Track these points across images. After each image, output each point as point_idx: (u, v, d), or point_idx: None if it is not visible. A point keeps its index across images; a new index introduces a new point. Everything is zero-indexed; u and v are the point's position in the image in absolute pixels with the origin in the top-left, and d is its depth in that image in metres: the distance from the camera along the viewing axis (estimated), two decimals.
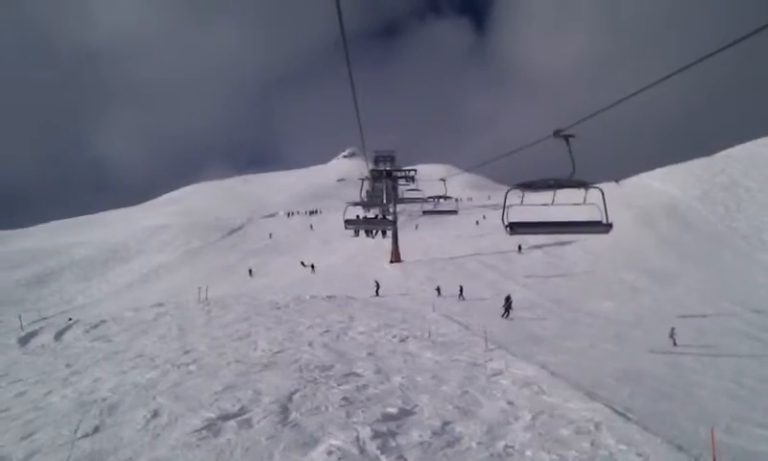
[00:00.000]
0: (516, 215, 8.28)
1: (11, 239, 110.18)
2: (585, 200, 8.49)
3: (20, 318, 37.15)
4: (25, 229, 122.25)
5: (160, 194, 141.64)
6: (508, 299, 24.33)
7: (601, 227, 8.75)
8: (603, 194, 8.42)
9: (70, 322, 26.14)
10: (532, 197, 8.77)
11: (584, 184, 8.24)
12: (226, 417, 8.17)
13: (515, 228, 8.43)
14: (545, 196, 9.35)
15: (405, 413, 8.61)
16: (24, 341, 21.52)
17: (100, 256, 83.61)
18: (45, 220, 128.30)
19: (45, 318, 46.00)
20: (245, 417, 8.19)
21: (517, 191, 8.75)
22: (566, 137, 7.89)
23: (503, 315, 22.43)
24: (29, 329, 25.39)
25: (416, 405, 9.05)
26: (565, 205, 9.26)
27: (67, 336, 21.66)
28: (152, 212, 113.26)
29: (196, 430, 7.62)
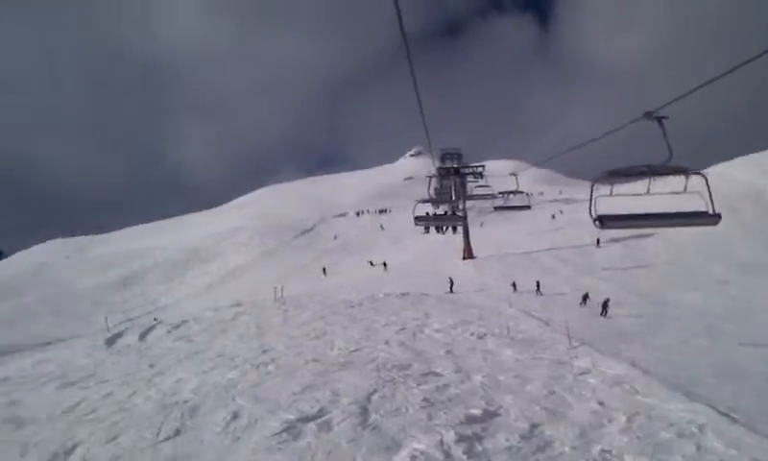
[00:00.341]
0: (605, 207, 7.57)
1: (97, 244, 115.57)
2: (686, 188, 7.62)
3: (106, 319, 38.69)
4: (109, 233, 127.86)
5: (234, 197, 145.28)
6: (586, 296, 23.40)
7: (707, 218, 7.73)
8: (707, 181, 7.60)
9: (154, 322, 26.89)
10: (620, 188, 8.13)
11: (684, 170, 7.43)
12: (305, 419, 7.98)
13: (605, 221, 7.59)
14: (632, 187, 8.71)
15: (490, 415, 8.21)
16: (111, 342, 22.18)
17: (180, 259, 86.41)
18: (128, 225, 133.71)
19: (130, 319, 47.83)
20: (324, 419, 7.98)
21: (597, 182, 8.01)
22: (659, 119, 7.23)
23: (601, 313, 21.09)
24: (115, 330, 26.21)
25: (500, 406, 8.63)
26: (661, 194, 8.47)
27: (151, 336, 22.22)
28: (226, 215, 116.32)
29: (275, 433, 7.46)
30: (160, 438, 7.79)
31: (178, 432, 8.03)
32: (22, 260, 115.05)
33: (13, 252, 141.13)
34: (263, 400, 9.32)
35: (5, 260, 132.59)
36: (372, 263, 52.08)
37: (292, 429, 7.59)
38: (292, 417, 8.06)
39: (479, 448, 6.87)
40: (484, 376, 10.60)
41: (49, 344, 43.98)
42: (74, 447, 7.99)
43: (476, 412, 8.23)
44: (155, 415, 9.14)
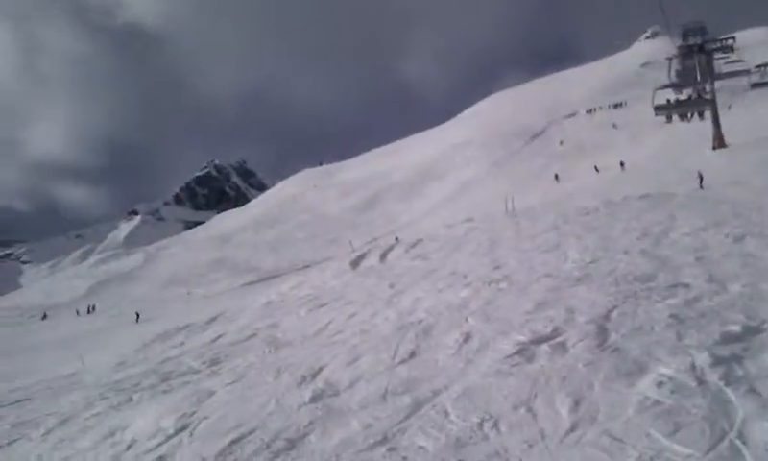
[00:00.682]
0: None
1: (340, 171, 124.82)
2: None
3: (350, 242, 41.77)
4: (350, 160, 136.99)
5: (461, 110, 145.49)
6: None
7: None
8: None
9: (394, 242, 28.29)
10: None
11: None
12: (538, 340, 7.64)
13: None
14: None
15: (751, 331, 7.11)
16: (355, 263, 23.79)
17: (414, 177, 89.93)
18: (365, 149, 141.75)
19: (375, 239, 51.11)
20: (559, 340, 7.56)
21: None
22: None
23: None
24: (359, 252, 28.04)
25: (764, 321, 7.45)
26: None
27: (390, 256, 23.41)
28: (456, 129, 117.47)
29: (508, 356, 7.26)
30: (396, 361, 8.08)
31: (412, 355, 8.26)
32: (280, 192, 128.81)
33: (274, 184, 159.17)
34: (495, 319, 9.19)
35: (268, 192, 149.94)
36: (596, 169, 49.00)
37: (524, 351, 7.33)
38: (524, 338, 7.78)
39: (739, 371, 5.98)
40: (743, 286, 9.27)
41: (306, 267, 48.97)
42: (320, 369, 8.63)
43: (735, 329, 7.20)
44: (391, 336, 9.53)
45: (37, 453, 8.00)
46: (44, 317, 63.03)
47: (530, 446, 5.04)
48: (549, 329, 8.02)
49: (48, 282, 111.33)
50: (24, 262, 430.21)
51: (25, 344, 43.31)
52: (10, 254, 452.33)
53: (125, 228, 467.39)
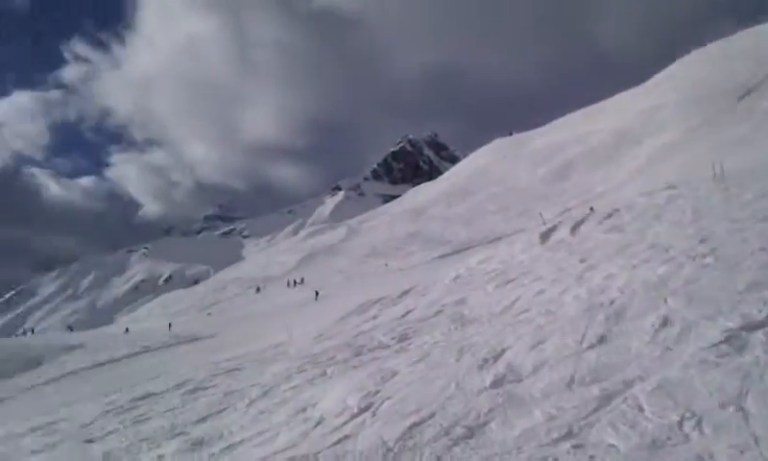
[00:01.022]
0: None
1: (531, 139, 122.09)
2: None
3: (541, 214, 40.50)
4: (542, 127, 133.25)
5: (660, 69, 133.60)
6: None
7: None
8: None
9: (588, 212, 26.98)
10: None
11: None
12: (751, 326, 6.60)
13: None
14: None
15: None
16: (545, 236, 22.99)
17: (610, 143, 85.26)
18: (558, 115, 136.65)
19: (567, 210, 49.22)
20: None
21: None
22: None
23: None
24: (549, 224, 27.09)
25: None
26: None
27: (582, 229, 22.27)
28: (654, 89, 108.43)
29: (713, 344, 6.39)
30: (584, 345, 7.54)
31: (602, 339, 7.64)
32: (470, 163, 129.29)
33: (465, 156, 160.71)
34: (699, 300, 8.18)
35: (459, 164, 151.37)
36: None
37: (734, 340, 6.40)
38: (733, 324, 6.77)
39: None
40: None
41: (497, 239, 48.52)
42: (502, 351, 8.33)
43: None
44: (579, 318, 8.93)
45: (240, 424, 8.67)
46: (258, 290, 69.46)
47: (741, 452, 4.36)
48: (765, 314, 6.94)
49: (263, 256, 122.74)
50: (245, 237, 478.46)
51: (242, 314, 48.15)
52: (233, 230, 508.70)
53: (330, 203, 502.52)
